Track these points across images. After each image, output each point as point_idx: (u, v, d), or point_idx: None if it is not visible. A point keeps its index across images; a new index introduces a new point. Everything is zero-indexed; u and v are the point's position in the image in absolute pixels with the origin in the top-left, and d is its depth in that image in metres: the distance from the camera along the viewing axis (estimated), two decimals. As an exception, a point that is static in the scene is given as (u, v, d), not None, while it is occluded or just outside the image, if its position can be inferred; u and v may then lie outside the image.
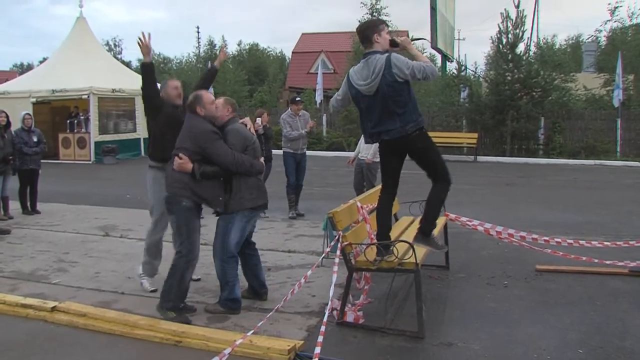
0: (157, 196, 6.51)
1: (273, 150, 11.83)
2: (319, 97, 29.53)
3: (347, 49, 32.33)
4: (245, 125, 6.25)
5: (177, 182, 5.65)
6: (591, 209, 12.13)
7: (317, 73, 31.53)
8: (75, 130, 23.95)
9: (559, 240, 7.37)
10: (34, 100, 22.86)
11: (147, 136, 6.86)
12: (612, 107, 24.66)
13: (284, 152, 11.07)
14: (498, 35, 24.76)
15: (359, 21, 30.88)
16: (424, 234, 5.62)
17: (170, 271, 5.71)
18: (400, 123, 5.38)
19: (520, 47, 24.96)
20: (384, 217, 5.81)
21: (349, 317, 5.59)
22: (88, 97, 22.85)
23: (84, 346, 5.31)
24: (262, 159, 6.21)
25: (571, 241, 7.37)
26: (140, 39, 6.27)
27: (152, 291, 6.52)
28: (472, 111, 25.55)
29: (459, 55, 42.02)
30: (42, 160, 12.16)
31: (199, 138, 5.66)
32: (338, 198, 9.28)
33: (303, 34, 47.81)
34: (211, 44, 57.61)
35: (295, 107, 11.09)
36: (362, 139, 10.04)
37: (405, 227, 6.97)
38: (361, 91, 5.48)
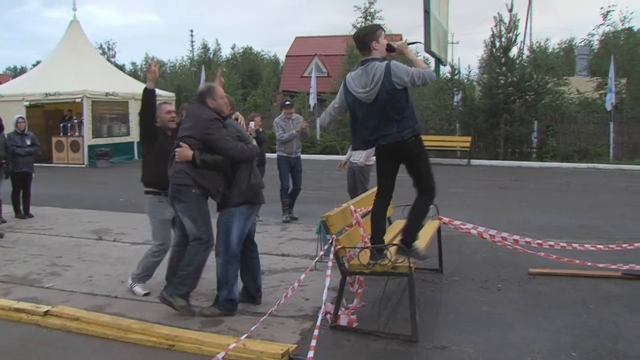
0: (156, 221, 6.55)
1: (267, 154, 11.81)
2: (312, 100, 29.53)
3: (340, 52, 32.38)
4: (237, 119, 6.28)
5: (179, 172, 5.70)
6: (584, 212, 12.17)
7: (310, 77, 31.53)
8: (69, 134, 23.87)
9: (552, 243, 7.40)
10: (27, 103, 22.78)
11: (139, 140, 6.87)
12: (604, 111, 24.76)
13: (277, 155, 11.08)
14: (491, 39, 24.83)
15: (353, 25, 31.10)
16: (405, 245, 5.53)
17: (189, 258, 5.71)
18: (397, 129, 5.37)
19: (514, 51, 25.06)
20: (379, 221, 5.81)
21: (343, 321, 5.59)
22: (81, 100, 22.78)
23: (77, 350, 5.29)
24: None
25: (564, 244, 7.40)
26: (150, 65, 6.32)
27: (144, 295, 6.52)
28: (466, 115, 25.62)
29: (452, 59, 42.18)
30: (35, 164, 12.11)
31: (204, 124, 5.71)
32: (332, 201, 9.30)
33: (297, 37, 47.84)
34: (205, 47, 57.55)
35: (287, 110, 11.10)
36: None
37: (399, 230, 6.96)
38: (359, 98, 5.46)
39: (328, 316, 5.62)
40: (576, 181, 17.89)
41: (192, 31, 73.25)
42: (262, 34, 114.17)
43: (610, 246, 7.50)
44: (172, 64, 62.45)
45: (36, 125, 21.75)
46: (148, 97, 6.33)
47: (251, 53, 64.68)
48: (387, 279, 5.90)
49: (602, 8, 30.19)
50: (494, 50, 24.88)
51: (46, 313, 5.91)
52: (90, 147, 23.14)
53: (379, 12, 30.90)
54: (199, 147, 5.67)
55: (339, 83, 26.01)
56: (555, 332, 5.46)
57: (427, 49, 22.43)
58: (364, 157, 9.52)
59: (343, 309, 5.71)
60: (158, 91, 6.99)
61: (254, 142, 6.22)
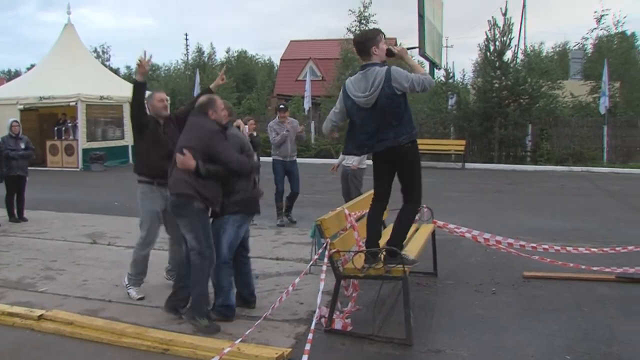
0: (146, 210, 6.54)
1: (262, 158, 11.82)
2: (307, 104, 29.59)
3: (335, 56, 32.38)
4: (239, 127, 6.28)
5: (179, 181, 5.65)
6: (578, 215, 12.20)
7: (305, 80, 31.59)
8: (63, 137, 23.87)
9: (546, 247, 7.40)
10: (21, 107, 22.78)
11: (134, 143, 6.87)
12: (598, 114, 24.86)
13: (273, 159, 11.09)
14: (486, 43, 24.95)
15: (348, 29, 31.07)
16: (391, 255, 5.48)
17: (196, 277, 5.65)
18: (394, 134, 5.38)
19: (508, 55, 25.15)
20: (375, 225, 5.81)
21: (337, 325, 5.58)
22: (76, 104, 22.81)
23: (70, 355, 5.28)
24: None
25: (558, 248, 7.40)
26: (140, 58, 6.27)
27: (139, 299, 6.51)
28: (460, 118, 25.69)
29: (447, 63, 42.24)
30: (29, 168, 12.07)
31: (206, 137, 5.68)
32: (326, 205, 9.29)
33: (291, 41, 47.86)
34: (200, 51, 57.54)
35: (282, 114, 11.11)
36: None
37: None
38: (358, 103, 5.46)
39: (323, 320, 5.62)
40: (570, 184, 17.93)
41: (186, 35, 72.98)
42: (257, 37, 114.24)
43: (604, 249, 7.51)
44: (166, 68, 62.43)
45: (30, 128, 21.71)
46: (139, 90, 6.33)
47: (246, 57, 64.71)
48: (382, 282, 5.90)
49: (595, 12, 30.33)
50: (488, 54, 24.99)
51: (40, 317, 5.89)
52: (85, 151, 23.15)
53: (373, 15, 30.85)
54: (202, 157, 5.65)
55: (334, 87, 26.13)
56: (549, 336, 5.47)
57: (422, 53, 22.49)
58: (357, 160, 9.52)
59: (338, 313, 5.71)
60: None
61: (256, 157, 6.21)
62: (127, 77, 47.91)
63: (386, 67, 5.40)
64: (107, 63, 58.50)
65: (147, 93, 6.60)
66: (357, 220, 6.33)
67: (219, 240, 5.78)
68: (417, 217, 6.49)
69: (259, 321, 5.14)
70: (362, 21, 30.69)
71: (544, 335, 5.48)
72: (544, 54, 49.42)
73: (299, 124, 11.41)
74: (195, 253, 5.63)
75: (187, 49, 58.40)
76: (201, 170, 5.57)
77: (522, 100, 24.47)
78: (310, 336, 4.60)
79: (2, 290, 6.94)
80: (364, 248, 5.78)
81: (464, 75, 35.81)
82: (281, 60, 46.95)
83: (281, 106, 11.59)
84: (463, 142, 24.28)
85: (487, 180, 19.46)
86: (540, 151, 24.16)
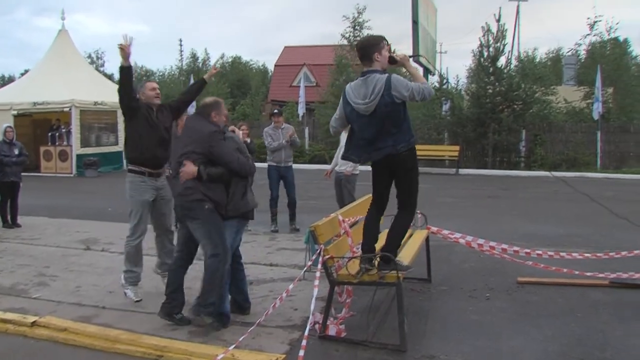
0: (135, 200, 6.53)
1: (257, 164, 11.78)
2: (301, 110, 29.60)
3: (329, 62, 32.41)
4: (233, 132, 6.31)
5: (188, 188, 5.67)
6: (572, 221, 12.23)
7: (299, 86, 31.61)
8: (57, 143, 23.80)
9: (540, 252, 7.40)
10: (15, 112, 22.71)
11: (125, 131, 6.85)
12: (592, 120, 24.94)
13: (268, 165, 11.09)
14: (479, 49, 25.02)
15: (342, 35, 31.15)
16: (385, 262, 5.49)
17: (210, 276, 5.65)
18: (392, 142, 5.39)
19: (502, 61, 25.25)
20: (371, 229, 5.80)
21: (331, 331, 5.58)
22: (70, 109, 22.74)
23: (64, 361, 5.27)
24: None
25: (552, 253, 7.41)
26: (122, 42, 6.27)
27: (136, 301, 6.49)
28: (454, 124, 25.74)
29: (440, 68, 42.33)
30: (23, 173, 12.06)
31: (207, 139, 5.71)
32: (320, 211, 9.30)
33: (285, 47, 47.94)
34: (194, 56, 57.49)
35: (276, 119, 11.12)
36: (338, 152, 10.06)
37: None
38: (357, 110, 5.47)
39: (317, 326, 5.62)
40: (564, 190, 17.98)
41: (180, 40, 72.84)
42: (251, 43, 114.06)
43: (598, 255, 7.52)
44: (160, 73, 62.36)
45: (24, 134, 21.62)
46: (126, 74, 6.34)
47: (240, 62, 64.67)
48: (376, 288, 5.91)
49: (588, 18, 30.38)
50: (482, 59, 25.08)
51: (33, 324, 5.88)
52: (79, 157, 23.10)
53: (367, 21, 30.95)
54: (202, 161, 5.66)
55: (328, 92, 26.11)
56: (543, 341, 5.48)
57: (416, 59, 22.60)
58: (350, 165, 9.51)
59: (332, 319, 5.71)
60: None
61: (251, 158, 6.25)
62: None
63: (386, 74, 5.40)
64: (102, 69, 58.30)
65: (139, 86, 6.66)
66: (351, 226, 6.33)
67: None
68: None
69: (252, 327, 5.14)
70: (357, 27, 30.77)
71: (537, 341, 5.49)
72: (538, 59, 49.56)
73: (293, 130, 11.40)
74: (210, 255, 5.63)
75: (181, 55, 58.26)
76: (202, 175, 5.58)
77: (515, 106, 24.55)
78: (304, 342, 4.60)
79: (-5, 297, 6.92)
80: (358, 254, 5.78)
81: (457, 81, 35.88)
82: (275, 66, 46.99)
83: (275, 111, 11.60)
84: (457, 147, 24.31)
85: (481, 185, 19.50)
86: (534, 157, 24.23)
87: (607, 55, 29.11)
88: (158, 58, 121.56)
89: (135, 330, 5.70)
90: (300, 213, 11.17)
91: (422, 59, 20.80)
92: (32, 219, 12.18)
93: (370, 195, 5.96)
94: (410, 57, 5.84)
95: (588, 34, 30.49)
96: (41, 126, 25.03)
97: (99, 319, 6.10)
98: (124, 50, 6.25)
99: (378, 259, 5.52)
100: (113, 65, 65.50)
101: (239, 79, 56.39)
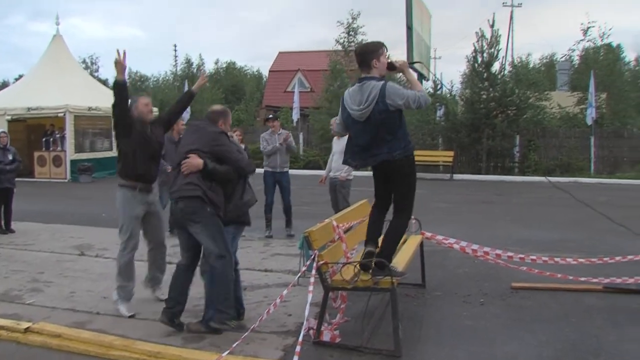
0: (127, 215, 6.49)
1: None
2: (295, 115, 29.62)
3: (323, 67, 32.45)
4: (232, 137, 6.34)
5: (187, 184, 5.65)
6: (566, 226, 12.26)
7: (293, 92, 31.66)
8: (51, 149, 23.77)
9: (534, 257, 7.42)
10: (9, 118, 22.67)
11: (118, 146, 6.81)
12: (585, 125, 25.05)
13: (264, 170, 11.07)
14: (473, 54, 25.11)
15: (337, 40, 31.18)
16: (380, 268, 5.48)
17: (218, 280, 5.63)
18: (387, 149, 5.39)
19: (496, 66, 25.38)
20: (375, 222, 5.83)
21: (326, 336, 5.57)
22: (64, 115, 22.71)
23: (57, 368, 5.25)
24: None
25: (546, 258, 7.43)
26: (117, 57, 6.25)
27: (130, 317, 6.42)
28: (448, 129, 25.82)
29: (434, 74, 42.38)
30: (17, 179, 12.02)
31: (212, 138, 5.77)
32: (315, 216, 9.29)
33: (280, 52, 47.91)
34: (188, 62, 57.51)
35: (271, 123, 11.12)
36: (331, 158, 10.08)
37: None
38: (352, 116, 5.49)
39: (311, 332, 5.61)
40: (558, 195, 17.90)
41: (175, 46, 73.13)
42: (246, 49, 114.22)
43: (592, 260, 7.55)
44: (155, 79, 62.36)
45: (18, 139, 21.59)
46: (120, 89, 6.30)
47: (234, 68, 64.77)
48: (370, 294, 5.90)
49: (582, 24, 30.46)
50: (476, 65, 25.16)
51: (27, 330, 5.85)
52: (73, 162, 23.06)
53: (362, 27, 31.00)
54: (209, 158, 5.68)
55: (322, 98, 26.11)
56: (537, 346, 5.48)
57: (411, 65, 22.66)
58: (345, 170, 9.51)
59: (326, 325, 5.71)
60: None
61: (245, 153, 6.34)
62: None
63: (382, 82, 5.39)
64: (96, 74, 58.23)
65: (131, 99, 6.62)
66: (346, 232, 6.33)
67: None
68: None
69: (246, 333, 5.14)
70: (351, 32, 30.81)
71: (532, 346, 5.49)
72: (532, 65, 49.66)
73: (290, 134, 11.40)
74: (215, 257, 5.60)
75: (175, 60, 58.34)
76: (209, 166, 5.59)
77: (509, 112, 24.66)
78: (298, 348, 4.60)
79: (-12, 303, 6.89)
80: (352, 260, 5.79)
81: (452, 87, 35.93)
82: (270, 71, 46.96)
83: (270, 116, 11.62)
84: (451, 153, 24.36)
85: (475, 191, 19.53)
86: (528, 162, 24.31)
87: (600, 61, 29.26)
88: (153, 63, 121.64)
89: (129, 336, 5.69)
90: (294, 219, 11.16)
91: (417, 65, 20.91)
92: (26, 225, 12.15)
93: (365, 200, 5.98)
94: (410, 64, 5.85)
95: (581, 40, 30.70)
96: (35, 131, 25.01)
97: (93, 325, 6.09)
98: (120, 64, 6.24)
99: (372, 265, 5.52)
100: (107, 70, 65.49)
101: (233, 84, 56.48)
